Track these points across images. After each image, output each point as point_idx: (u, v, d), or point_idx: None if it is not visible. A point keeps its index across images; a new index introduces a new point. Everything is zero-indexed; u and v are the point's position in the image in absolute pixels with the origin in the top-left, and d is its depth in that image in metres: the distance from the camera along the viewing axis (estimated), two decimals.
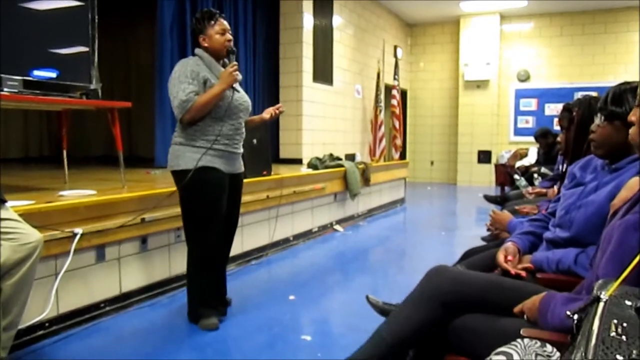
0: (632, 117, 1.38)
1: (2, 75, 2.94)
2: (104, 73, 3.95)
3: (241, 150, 3.06)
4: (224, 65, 2.90)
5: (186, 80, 2.76)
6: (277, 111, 3.21)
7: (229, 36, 2.91)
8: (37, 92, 3.15)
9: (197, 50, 2.93)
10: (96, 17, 3.52)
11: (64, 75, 3.38)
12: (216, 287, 3.07)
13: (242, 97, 2.98)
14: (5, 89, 2.93)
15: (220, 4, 6.18)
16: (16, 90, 3.00)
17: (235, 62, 2.85)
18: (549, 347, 1.17)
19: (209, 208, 2.88)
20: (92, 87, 3.49)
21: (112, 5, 5.73)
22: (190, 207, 2.93)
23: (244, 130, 3.04)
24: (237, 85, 2.96)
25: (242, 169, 3.14)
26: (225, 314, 3.08)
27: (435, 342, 1.65)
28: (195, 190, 2.83)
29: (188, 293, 3.02)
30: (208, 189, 2.85)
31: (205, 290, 2.97)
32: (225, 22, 2.92)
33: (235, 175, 3.03)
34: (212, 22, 2.88)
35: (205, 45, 2.90)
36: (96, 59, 3.54)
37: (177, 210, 3.14)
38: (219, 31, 2.88)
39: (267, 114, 3.21)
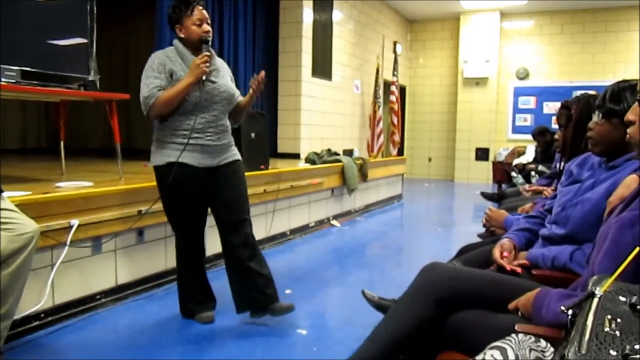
0: (629, 117, 1.38)
1: (1, 65, 2.93)
2: (102, 64, 3.94)
3: (223, 141, 2.85)
4: None
5: (152, 75, 2.65)
6: (259, 80, 2.84)
7: (206, 27, 2.71)
8: (35, 82, 3.14)
9: (174, 41, 2.77)
10: (95, 8, 3.50)
11: (63, 66, 3.37)
12: (202, 284, 3.02)
13: (218, 87, 2.77)
14: (3, 79, 2.93)
15: None
16: (14, 81, 2.99)
17: (206, 53, 2.66)
18: (543, 343, 1.18)
19: (178, 203, 2.80)
20: (91, 78, 3.48)
21: None
22: (164, 202, 2.85)
23: (222, 121, 2.84)
24: (218, 75, 2.80)
25: (231, 158, 2.90)
26: (214, 308, 3.06)
27: (430, 339, 1.66)
28: (165, 187, 2.73)
29: (178, 288, 3.04)
30: (176, 184, 2.70)
31: (191, 286, 2.97)
32: (203, 11, 2.72)
33: (217, 168, 2.84)
34: (189, 11, 2.68)
35: (182, 35, 2.73)
36: (94, 51, 3.53)
37: None
38: (196, 21, 2.68)
39: (251, 89, 2.88)
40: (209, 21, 2.77)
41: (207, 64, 2.65)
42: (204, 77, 2.66)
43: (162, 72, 2.66)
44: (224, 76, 2.86)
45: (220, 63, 2.91)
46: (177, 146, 2.70)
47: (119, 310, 3.15)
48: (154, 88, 2.62)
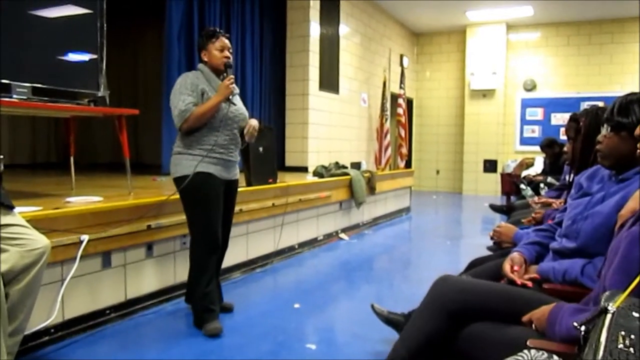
0: (639, 132, 1.38)
1: (11, 82, 2.96)
2: (111, 80, 3.98)
3: (237, 158, 3.20)
4: (224, 79, 3.07)
5: (186, 92, 2.94)
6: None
7: (227, 53, 3.08)
8: (46, 99, 3.17)
9: (200, 65, 3.12)
10: (105, 24, 3.55)
11: (73, 82, 3.41)
12: (216, 289, 3.14)
13: (238, 109, 3.12)
14: (15, 96, 2.96)
15: (227, 13, 6.22)
16: (25, 97, 3.03)
17: (231, 76, 3.02)
18: (555, 358, 1.17)
19: (206, 209, 2.99)
20: (100, 94, 3.51)
21: (121, 13, 5.78)
22: (189, 209, 3.07)
23: (239, 139, 3.18)
24: (235, 99, 3.13)
25: (237, 175, 3.26)
26: (218, 317, 3.07)
27: (443, 351, 1.65)
28: (192, 193, 2.99)
29: (194, 298, 3.06)
30: (203, 191, 2.98)
31: (208, 292, 3.00)
32: (226, 41, 3.08)
33: (230, 182, 3.17)
34: (213, 40, 3.06)
35: (206, 59, 3.09)
36: (104, 67, 3.57)
37: (183, 217, 3.18)
38: (218, 48, 3.05)
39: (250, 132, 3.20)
40: (231, 50, 3.12)
41: (233, 85, 3.00)
42: (230, 97, 3.01)
43: (194, 91, 2.97)
44: (239, 100, 3.21)
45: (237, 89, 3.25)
46: (205, 158, 2.97)
47: (128, 325, 3.14)
48: (189, 104, 2.92)
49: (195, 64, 3.15)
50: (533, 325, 1.44)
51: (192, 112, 2.90)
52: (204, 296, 3.00)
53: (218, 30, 3.12)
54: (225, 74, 3.06)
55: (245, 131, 3.19)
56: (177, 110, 2.92)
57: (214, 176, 3.01)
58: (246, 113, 3.21)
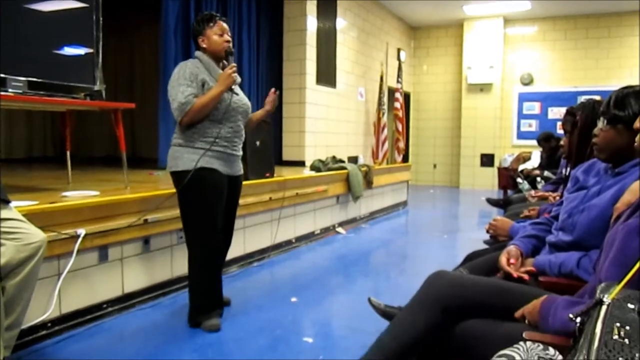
0: (638, 124, 1.38)
1: (7, 76, 2.95)
2: (107, 74, 3.96)
3: (240, 152, 3.06)
4: (224, 67, 2.91)
5: (185, 83, 2.77)
6: (274, 98, 3.21)
7: (227, 37, 2.92)
8: (42, 92, 3.16)
9: (197, 53, 2.95)
10: (101, 18, 3.53)
11: (69, 76, 3.39)
12: (216, 289, 3.06)
13: (241, 99, 2.98)
14: (10, 90, 2.95)
15: (224, 6, 6.20)
16: (20, 91, 3.02)
17: (233, 64, 2.86)
18: (551, 350, 1.17)
19: (208, 208, 2.88)
20: (96, 88, 3.50)
21: (117, 7, 5.75)
22: (189, 207, 2.92)
23: (243, 132, 3.06)
24: (236, 88, 2.96)
25: (242, 171, 3.14)
26: (220, 316, 3.07)
27: (437, 348, 1.65)
28: (194, 190, 2.83)
29: (190, 298, 3.01)
30: (206, 189, 2.85)
31: (207, 292, 2.98)
32: (224, 24, 2.93)
33: (234, 177, 3.04)
34: (211, 24, 2.89)
35: (204, 46, 2.92)
36: (100, 60, 3.56)
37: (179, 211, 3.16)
38: (217, 32, 2.89)
39: (268, 104, 3.21)
40: (229, 34, 2.95)
41: (236, 74, 2.83)
42: (233, 87, 2.85)
43: (194, 81, 2.79)
44: (240, 90, 3.06)
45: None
46: (207, 152, 2.83)
47: (126, 319, 3.15)
48: (189, 95, 2.74)
49: (191, 57, 2.99)
50: (526, 320, 1.44)
51: (193, 105, 2.74)
52: (206, 294, 2.97)
53: (215, 13, 2.94)
54: (226, 62, 2.92)
55: (269, 107, 3.17)
56: (177, 102, 2.74)
57: (218, 172, 2.87)
58: (249, 104, 3.07)
